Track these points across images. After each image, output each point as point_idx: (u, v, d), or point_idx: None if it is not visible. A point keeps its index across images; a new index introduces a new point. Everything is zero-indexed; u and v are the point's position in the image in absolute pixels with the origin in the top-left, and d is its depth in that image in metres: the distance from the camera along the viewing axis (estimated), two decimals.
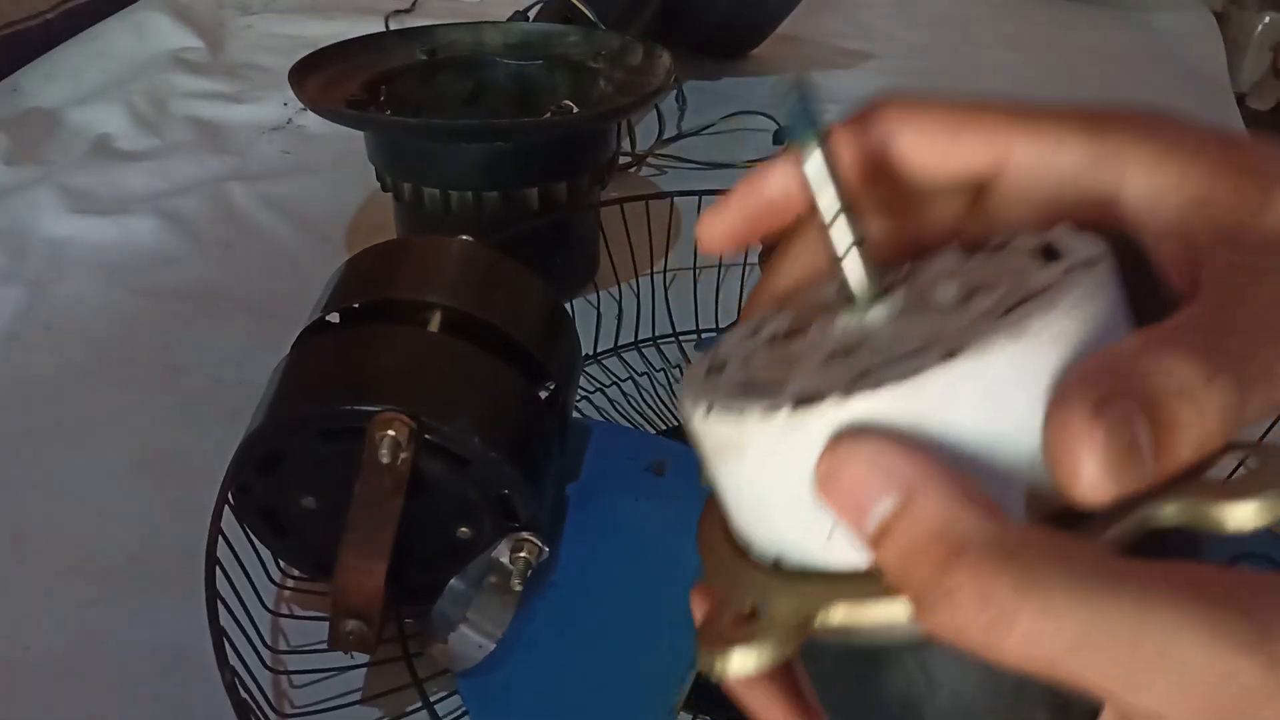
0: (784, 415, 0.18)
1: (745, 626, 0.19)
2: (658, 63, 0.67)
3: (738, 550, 0.21)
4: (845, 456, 0.17)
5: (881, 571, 0.17)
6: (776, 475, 0.19)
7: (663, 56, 0.67)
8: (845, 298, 0.21)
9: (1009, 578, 0.16)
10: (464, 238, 0.44)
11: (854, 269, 0.21)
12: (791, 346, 0.21)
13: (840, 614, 0.18)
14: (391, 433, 0.35)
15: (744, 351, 0.22)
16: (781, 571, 0.20)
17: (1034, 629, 0.15)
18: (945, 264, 0.22)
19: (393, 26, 0.92)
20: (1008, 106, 0.22)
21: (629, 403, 0.56)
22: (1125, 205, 0.20)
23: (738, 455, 0.19)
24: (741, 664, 0.18)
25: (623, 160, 0.79)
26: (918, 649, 0.19)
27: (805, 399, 0.18)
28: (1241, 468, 0.17)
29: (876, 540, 0.17)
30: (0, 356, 0.60)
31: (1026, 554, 0.16)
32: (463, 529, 0.39)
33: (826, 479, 0.18)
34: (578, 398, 0.54)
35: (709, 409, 0.20)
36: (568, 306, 0.46)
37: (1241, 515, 0.17)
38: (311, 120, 0.86)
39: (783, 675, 0.23)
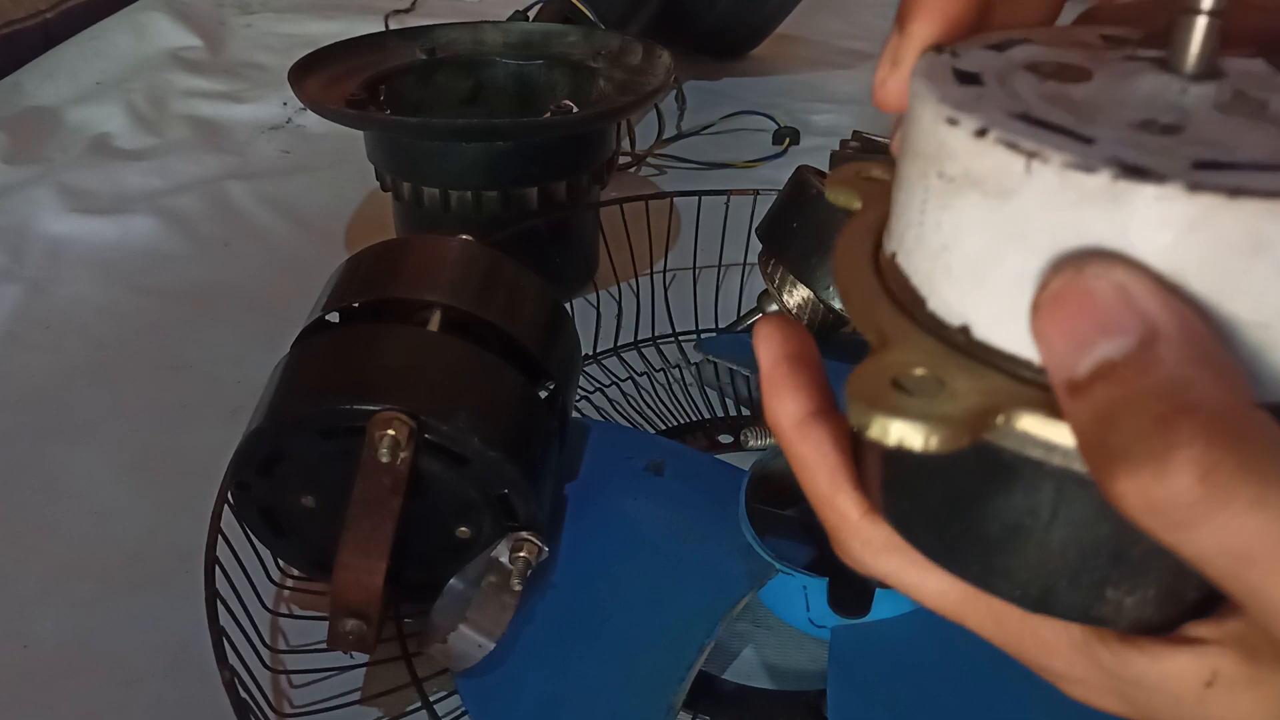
0: (1101, 180, 0.15)
1: (913, 398, 0.16)
2: (658, 62, 0.67)
3: (895, 292, 0.18)
4: (1096, 273, 0.15)
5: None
6: (1032, 239, 0.16)
7: (663, 56, 0.67)
8: (1163, 61, 0.18)
9: (1235, 458, 0.14)
10: (464, 237, 0.44)
11: (1200, 34, 0.17)
12: (1074, 91, 0.18)
13: (1023, 422, 0.16)
14: (391, 432, 0.35)
15: (997, 68, 0.19)
16: (965, 345, 0.17)
17: (1238, 522, 0.14)
18: (1253, 68, 0.19)
19: (392, 26, 0.92)
20: None
21: (629, 403, 0.56)
22: None
23: (996, 196, 0.16)
24: (907, 438, 0.16)
25: (622, 160, 0.79)
26: (1061, 483, 0.17)
27: (1135, 170, 0.15)
28: None
29: (1086, 381, 0.15)
30: None
31: (1258, 439, 0.14)
32: (462, 528, 0.39)
33: (1068, 285, 0.15)
34: (578, 398, 0.54)
35: (983, 130, 0.16)
36: (568, 306, 0.46)
37: None
38: (311, 119, 0.86)
39: (843, 431, 0.21)
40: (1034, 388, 0.16)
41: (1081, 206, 0.15)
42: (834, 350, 0.55)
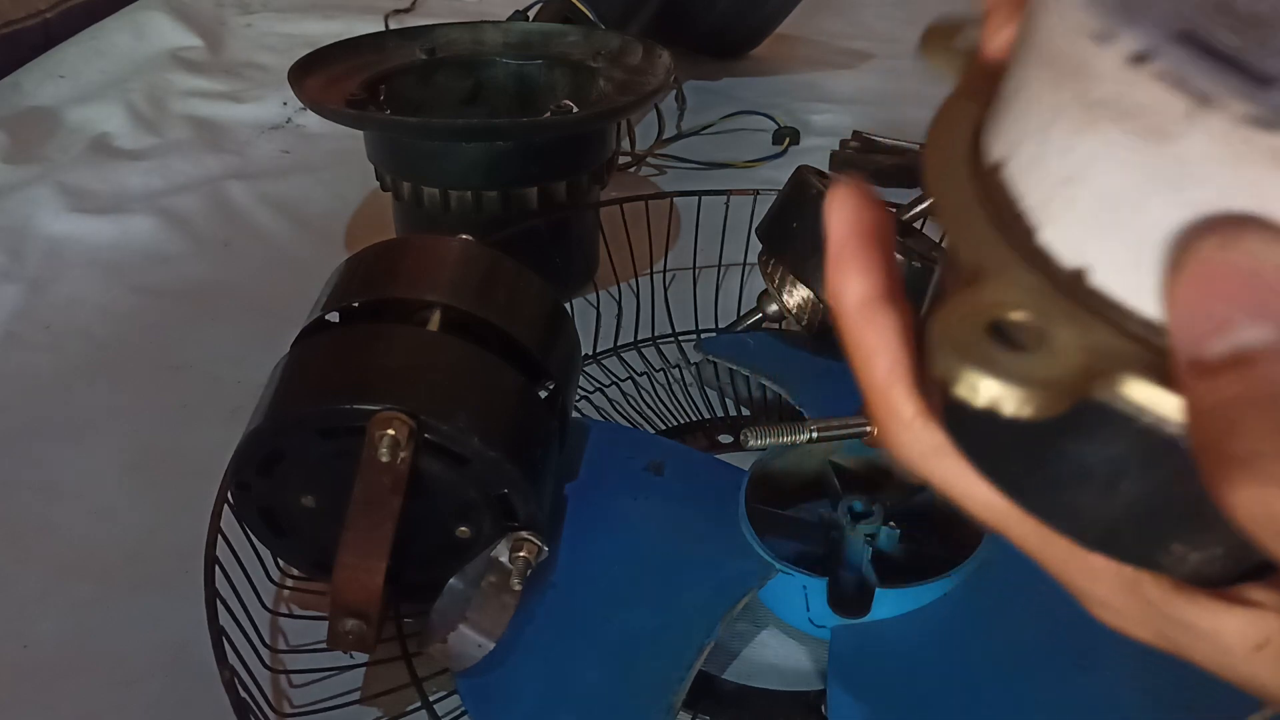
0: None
1: (1012, 354, 0.14)
2: (657, 62, 0.67)
3: (996, 209, 0.16)
4: (1255, 247, 0.13)
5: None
6: (1187, 191, 0.14)
7: (662, 56, 0.67)
8: None
9: None
10: (464, 237, 0.44)
11: None
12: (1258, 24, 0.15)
13: (1128, 386, 0.14)
14: (391, 432, 0.35)
15: None
16: (1075, 290, 0.15)
17: None
18: None
19: (392, 26, 0.92)
20: None
21: (629, 403, 0.56)
22: None
23: (1148, 136, 0.14)
24: (1000, 401, 0.14)
25: (622, 160, 0.79)
26: (1148, 441, 0.15)
27: None
28: None
29: (1216, 365, 0.14)
30: None
31: None
32: (462, 528, 0.39)
33: (1219, 252, 0.13)
34: (578, 398, 0.54)
35: (1142, 56, 0.14)
36: (568, 306, 0.46)
37: None
38: (311, 119, 0.86)
39: (909, 321, 0.20)
40: (1144, 347, 0.15)
41: (1254, 166, 0.13)
42: (834, 350, 0.55)
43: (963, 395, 0.14)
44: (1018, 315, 0.15)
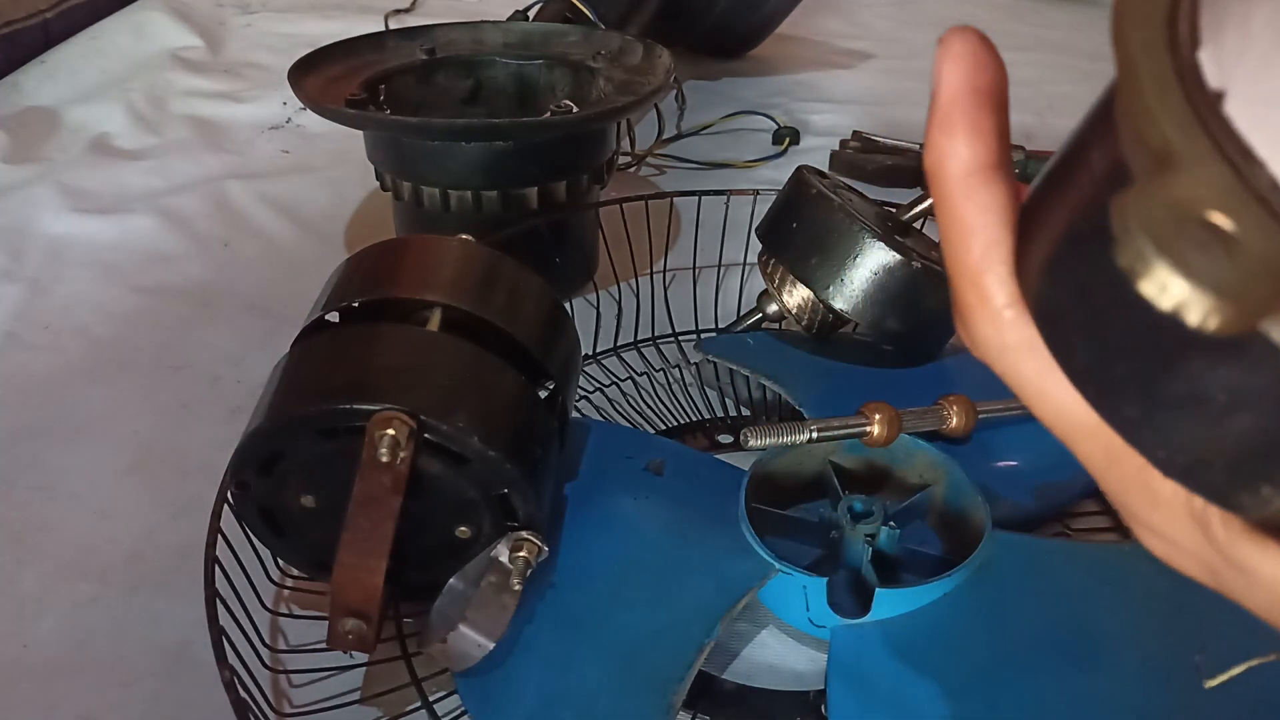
0: None
1: (1207, 255, 0.13)
2: (657, 62, 0.67)
3: (1191, 92, 0.14)
4: None
5: None
6: None
7: (662, 56, 0.67)
8: None
9: None
10: (463, 237, 0.44)
11: None
12: None
13: None
14: (391, 431, 0.35)
15: None
16: (1272, 196, 0.13)
17: None
18: None
19: (392, 25, 0.92)
20: None
21: (629, 403, 0.56)
22: None
23: None
24: (1188, 307, 0.13)
25: (622, 160, 0.79)
26: None
27: None
28: None
29: None
30: None
31: None
32: (462, 528, 0.39)
33: None
34: (578, 398, 0.54)
35: None
36: (568, 306, 0.46)
37: None
38: (311, 119, 0.86)
39: (1015, 200, 0.18)
40: None
41: None
42: (834, 350, 0.55)
43: (1148, 295, 0.13)
44: (1219, 219, 0.13)
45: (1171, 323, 0.13)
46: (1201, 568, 0.19)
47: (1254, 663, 0.27)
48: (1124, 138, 0.15)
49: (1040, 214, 0.18)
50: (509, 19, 0.78)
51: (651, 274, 0.64)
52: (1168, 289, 0.13)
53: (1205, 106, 0.14)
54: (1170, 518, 0.19)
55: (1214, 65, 0.14)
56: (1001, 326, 0.19)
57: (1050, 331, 0.18)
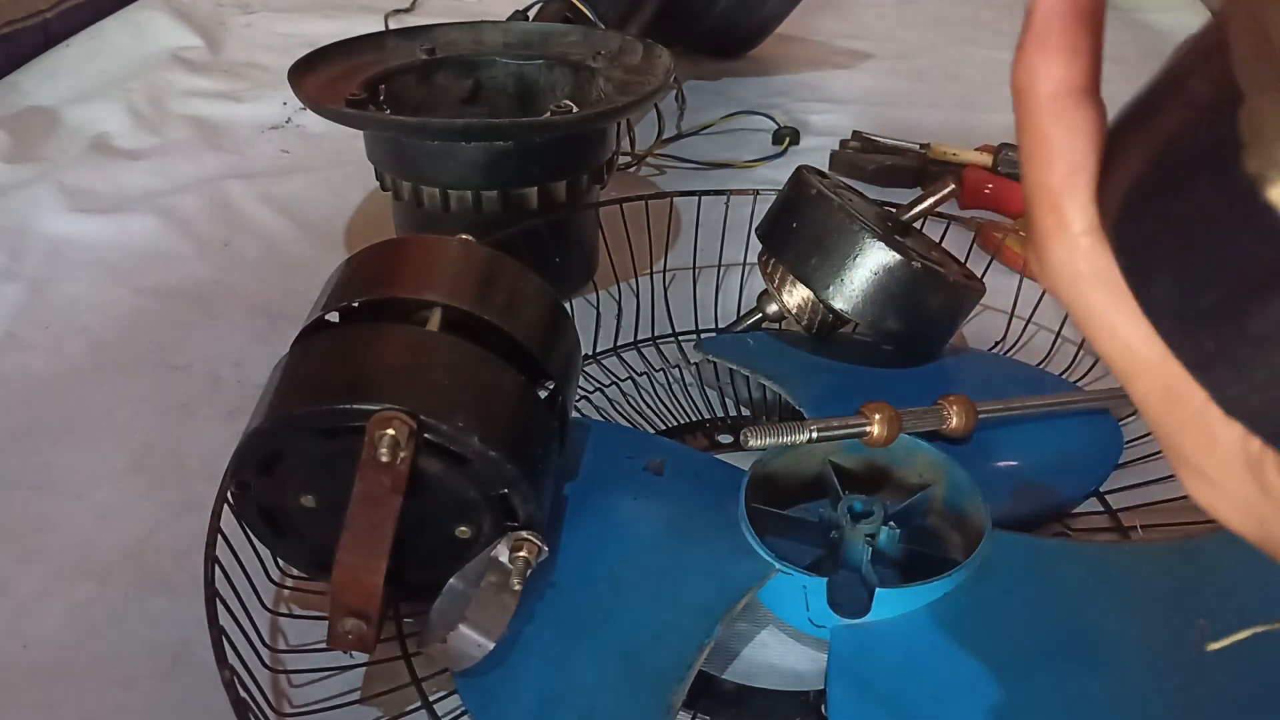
0: None
1: None
2: (657, 62, 0.67)
3: None
4: None
5: None
6: None
7: (662, 56, 0.67)
8: None
9: None
10: (463, 237, 0.44)
11: None
12: None
13: None
14: (391, 431, 0.35)
15: None
16: None
17: None
18: None
19: (392, 25, 0.92)
20: None
21: (629, 403, 0.56)
22: None
23: None
24: None
25: (622, 160, 0.79)
26: None
27: None
28: None
29: None
30: None
31: None
32: (462, 528, 0.39)
33: None
34: (578, 398, 0.54)
35: None
36: (568, 306, 0.46)
37: None
38: (311, 119, 0.86)
39: (1103, 125, 0.18)
40: None
41: None
42: (834, 350, 0.55)
43: (1276, 199, 0.14)
44: None
45: (1209, 200, 0.14)
46: (1247, 517, 0.19)
47: (1260, 629, 0.27)
48: (1241, 54, 0.15)
49: (1133, 141, 0.18)
50: (509, 19, 0.78)
51: (651, 274, 0.64)
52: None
53: None
54: (1223, 464, 0.18)
55: None
56: (1076, 254, 0.19)
57: (1131, 261, 0.18)
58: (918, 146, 0.82)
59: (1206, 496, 0.20)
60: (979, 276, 0.54)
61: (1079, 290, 0.19)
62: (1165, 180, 0.17)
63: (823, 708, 0.40)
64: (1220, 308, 0.16)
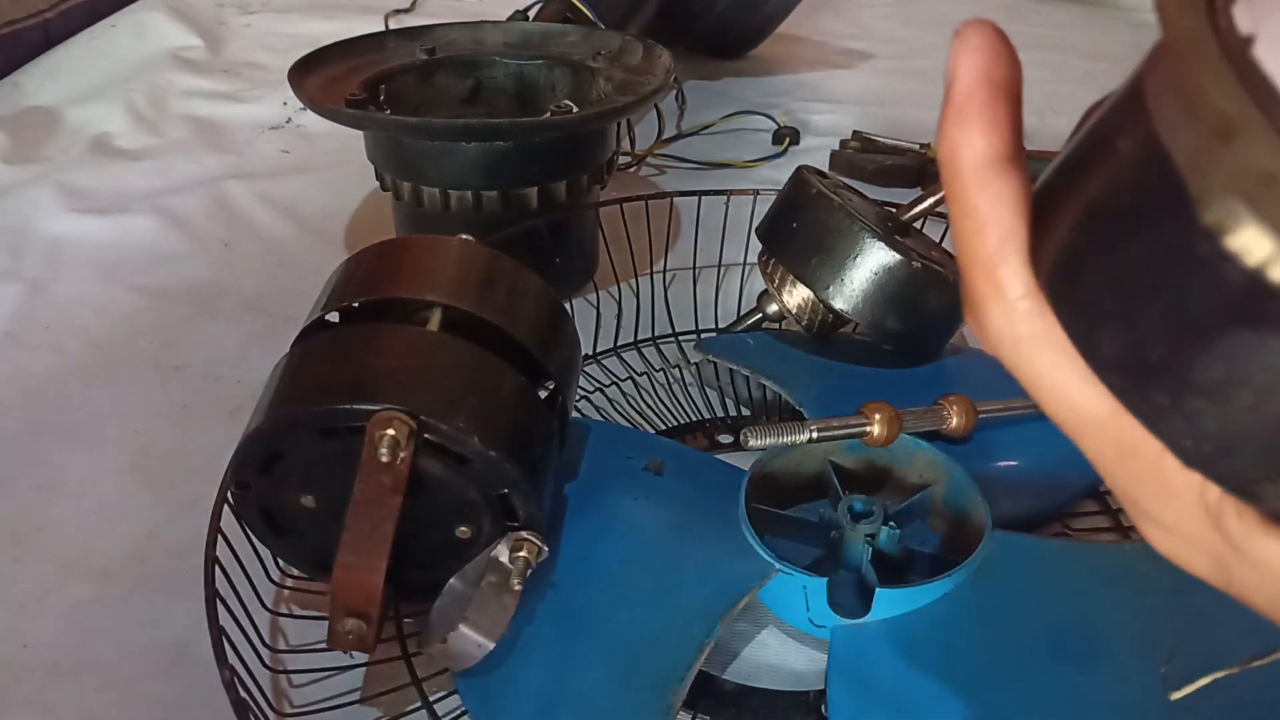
0: None
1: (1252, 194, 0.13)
2: (657, 62, 0.67)
3: (1240, 71, 0.15)
4: None
5: None
6: None
7: (662, 56, 0.67)
8: None
9: None
10: (463, 237, 0.44)
11: None
12: None
13: None
14: (391, 431, 0.35)
15: None
16: None
17: None
18: None
19: (392, 26, 0.92)
20: None
21: (629, 403, 0.56)
22: None
23: None
24: (1265, 259, 0.13)
25: (622, 160, 0.79)
26: None
27: None
28: None
29: None
30: None
31: None
32: (462, 528, 0.39)
33: None
34: (578, 398, 0.54)
35: None
36: (568, 306, 0.46)
37: None
38: (311, 119, 0.86)
39: (1028, 191, 0.18)
40: None
41: None
42: (834, 350, 0.55)
43: (1234, 248, 0.14)
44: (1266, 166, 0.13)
45: (1244, 283, 0.14)
46: (1211, 564, 0.19)
47: (1220, 675, 0.27)
48: (1172, 113, 0.15)
49: (1062, 201, 0.18)
50: (509, 19, 0.78)
51: (651, 274, 0.64)
52: (1254, 246, 0.13)
53: (1252, 88, 0.14)
54: (1182, 511, 0.19)
55: (1268, 69, 0.15)
56: (1015, 318, 0.19)
57: (1073, 320, 0.18)
58: (918, 146, 0.82)
59: (1167, 545, 0.20)
60: None
61: (1021, 353, 0.19)
62: (1103, 239, 0.17)
63: (823, 708, 0.40)
64: (1171, 360, 0.16)
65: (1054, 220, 0.18)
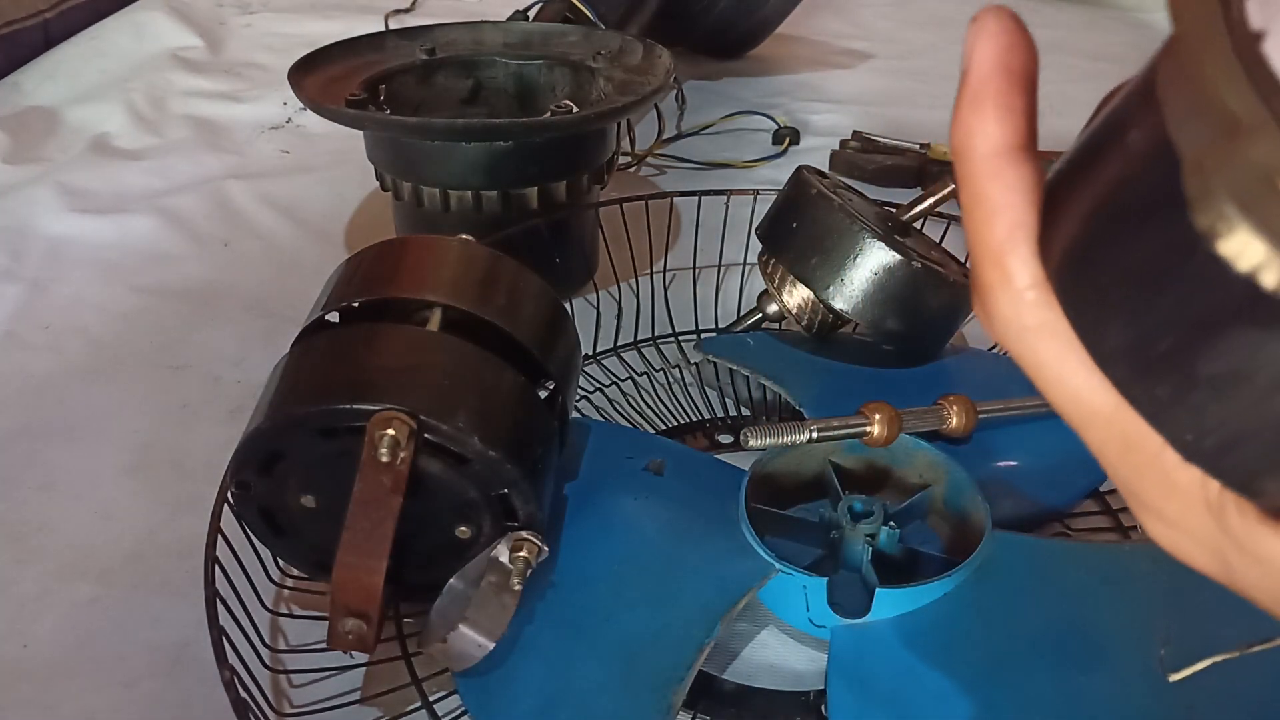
0: None
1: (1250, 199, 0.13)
2: (657, 62, 0.67)
3: (1250, 68, 0.14)
4: None
5: None
6: None
7: (662, 56, 0.67)
8: None
9: None
10: (463, 237, 0.44)
11: None
12: None
13: None
14: (391, 431, 0.35)
15: None
16: None
17: None
18: None
19: (392, 26, 0.92)
20: None
21: (629, 403, 0.56)
22: None
23: None
24: (1265, 270, 0.13)
25: (622, 160, 0.79)
26: None
27: None
28: None
29: None
30: None
31: None
32: (462, 528, 0.39)
33: None
34: (578, 398, 0.54)
35: None
36: (568, 306, 0.46)
37: None
38: (311, 119, 0.86)
39: (1040, 180, 0.18)
40: None
41: None
42: (834, 350, 0.55)
43: (1226, 254, 0.14)
44: (1266, 159, 0.13)
45: (1242, 286, 0.14)
46: (1212, 558, 0.19)
47: (1219, 658, 0.27)
48: (1181, 107, 0.15)
49: (1072, 193, 0.18)
50: (509, 19, 0.78)
51: (651, 274, 0.64)
52: (1247, 250, 0.13)
53: (1263, 87, 0.14)
54: (1184, 506, 0.19)
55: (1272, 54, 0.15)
56: (1023, 308, 0.19)
57: (1079, 312, 0.18)
58: (918, 146, 0.82)
59: (1169, 540, 0.20)
60: None
61: (1028, 343, 0.19)
62: (1111, 233, 0.17)
63: (823, 708, 0.40)
64: (1174, 355, 0.16)
65: (1063, 211, 0.18)
